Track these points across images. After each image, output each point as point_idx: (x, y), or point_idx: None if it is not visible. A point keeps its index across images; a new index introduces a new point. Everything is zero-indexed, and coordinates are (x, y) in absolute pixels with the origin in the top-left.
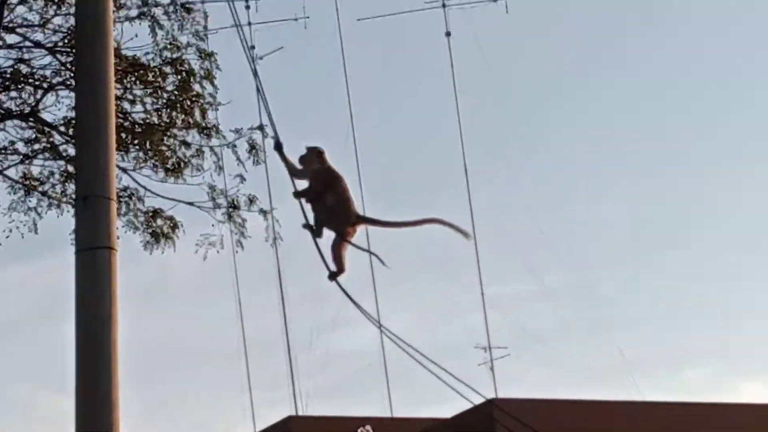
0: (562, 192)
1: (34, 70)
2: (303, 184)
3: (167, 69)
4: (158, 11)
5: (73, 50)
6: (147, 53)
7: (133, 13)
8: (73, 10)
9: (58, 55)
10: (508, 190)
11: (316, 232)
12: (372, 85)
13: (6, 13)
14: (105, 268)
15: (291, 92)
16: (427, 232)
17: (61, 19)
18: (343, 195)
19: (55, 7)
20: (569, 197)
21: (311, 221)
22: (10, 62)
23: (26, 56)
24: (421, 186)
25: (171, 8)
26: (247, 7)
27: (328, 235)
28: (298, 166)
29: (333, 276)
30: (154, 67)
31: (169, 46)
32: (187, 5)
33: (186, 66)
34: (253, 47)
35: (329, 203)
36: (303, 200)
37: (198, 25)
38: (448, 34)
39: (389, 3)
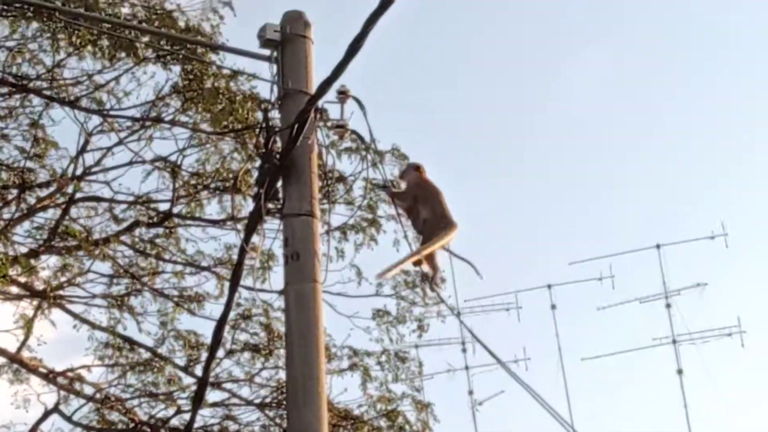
0: None
1: (242, 427)
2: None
3: (381, 422)
4: (370, 361)
5: (283, 405)
6: (360, 405)
7: (344, 364)
8: (282, 362)
9: (267, 411)
10: None
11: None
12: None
13: (213, 365)
14: None
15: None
16: None
17: (268, 373)
18: (438, 207)
19: (262, 359)
20: None
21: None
22: (217, 420)
23: (233, 413)
24: None
25: (384, 357)
26: (464, 351)
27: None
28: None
29: (426, 278)
30: (368, 420)
31: (382, 398)
32: (401, 354)
33: (401, 418)
34: (471, 392)
35: (423, 216)
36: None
37: (413, 375)
38: (680, 371)
39: (616, 340)
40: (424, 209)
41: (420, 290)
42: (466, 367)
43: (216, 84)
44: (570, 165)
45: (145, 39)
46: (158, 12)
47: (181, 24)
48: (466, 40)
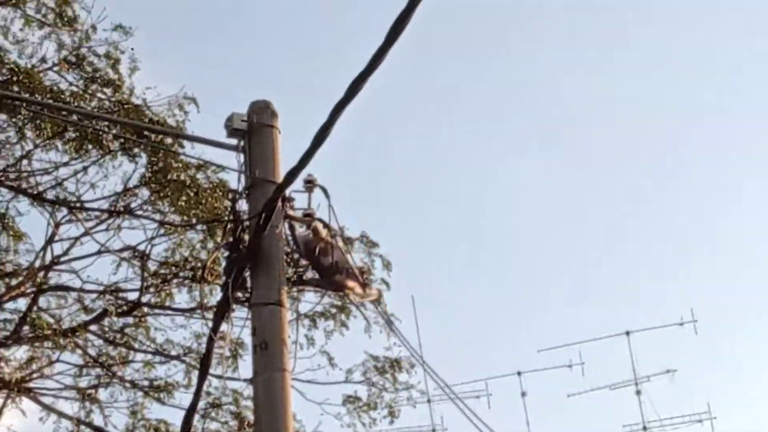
0: None
1: None
2: None
3: None
4: None
5: None
6: None
7: None
8: None
9: None
10: None
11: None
12: None
13: None
14: None
15: None
16: None
17: None
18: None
19: None
20: None
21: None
22: None
23: None
24: None
25: None
26: None
27: None
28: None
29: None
30: None
31: None
32: None
33: None
34: None
35: (331, 259)
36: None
37: None
38: None
39: (587, 427)
40: (333, 256)
41: (390, 377)
42: None
43: (181, 176)
44: (537, 254)
45: (113, 131)
46: (124, 105)
47: (149, 117)
48: (416, 133)
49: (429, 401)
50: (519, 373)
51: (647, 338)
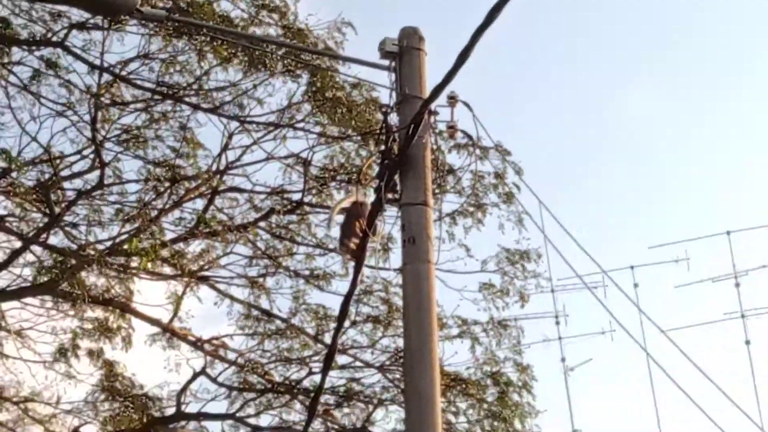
0: None
1: (365, 388)
2: None
3: (487, 382)
4: (477, 329)
5: (401, 369)
6: (468, 368)
7: (454, 332)
8: (399, 331)
9: (387, 374)
10: None
11: None
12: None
13: (339, 334)
14: None
15: (601, 402)
16: None
17: (387, 341)
18: None
19: (382, 328)
20: None
21: None
22: (343, 381)
23: (357, 375)
24: None
25: (489, 325)
26: (557, 323)
27: None
28: None
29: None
30: (475, 381)
31: (488, 361)
32: (503, 322)
33: (504, 378)
34: (563, 359)
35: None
36: None
37: (514, 339)
38: (747, 342)
39: (692, 315)
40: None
41: (520, 266)
42: (559, 338)
43: (337, 94)
44: (650, 162)
45: (280, 52)
46: (290, 29)
47: (310, 40)
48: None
49: (552, 291)
50: (632, 267)
51: (747, 237)
